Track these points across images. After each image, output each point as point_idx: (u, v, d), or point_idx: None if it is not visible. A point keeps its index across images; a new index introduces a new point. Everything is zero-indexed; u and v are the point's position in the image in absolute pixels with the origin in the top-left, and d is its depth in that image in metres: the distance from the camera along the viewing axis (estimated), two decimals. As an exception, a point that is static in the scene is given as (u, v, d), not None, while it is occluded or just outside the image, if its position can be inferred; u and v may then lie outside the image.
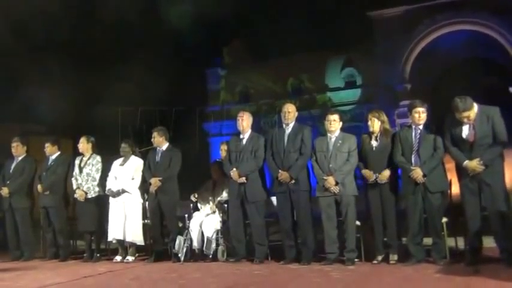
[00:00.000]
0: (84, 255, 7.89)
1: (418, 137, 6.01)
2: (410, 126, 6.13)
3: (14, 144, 8.42)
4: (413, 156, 5.98)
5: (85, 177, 7.86)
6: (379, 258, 6.20)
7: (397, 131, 6.36)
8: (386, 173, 6.14)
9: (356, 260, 6.29)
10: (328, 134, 6.52)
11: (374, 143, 6.29)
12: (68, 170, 8.17)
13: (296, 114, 6.84)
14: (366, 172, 6.23)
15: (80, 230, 7.98)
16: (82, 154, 8.07)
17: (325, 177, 6.33)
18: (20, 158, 8.43)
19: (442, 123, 5.92)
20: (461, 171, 5.73)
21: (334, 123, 6.50)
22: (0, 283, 6.05)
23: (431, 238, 5.99)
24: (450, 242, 6.18)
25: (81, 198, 7.80)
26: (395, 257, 6.14)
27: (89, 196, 7.80)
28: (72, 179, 7.99)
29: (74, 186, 7.93)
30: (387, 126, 6.35)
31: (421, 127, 6.03)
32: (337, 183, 6.28)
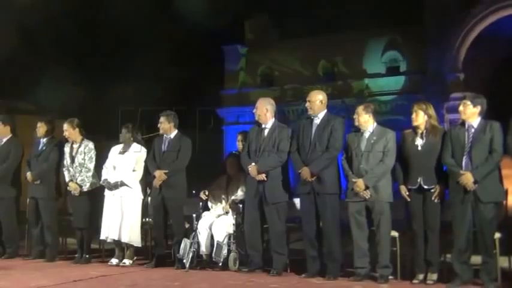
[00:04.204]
0: (76, 255, 7.97)
1: (471, 136, 5.95)
2: (463, 124, 6.07)
3: None
4: (464, 158, 5.92)
5: (78, 168, 7.91)
6: (420, 277, 6.14)
7: (449, 129, 6.30)
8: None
9: (390, 277, 6.25)
10: (362, 129, 6.49)
11: (419, 142, 6.22)
12: (61, 157, 8.24)
13: (325, 101, 6.80)
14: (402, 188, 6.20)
15: (73, 226, 8.05)
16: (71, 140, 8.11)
17: (354, 180, 6.31)
18: (4, 140, 8.50)
19: (505, 119, 5.86)
20: None
21: (357, 117, 6.46)
22: (-22, 283, 6.16)
23: (481, 256, 5.93)
24: (503, 261, 6.14)
25: (75, 193, 7.87)
26: (434, 276, 6.09)
27: (84, 189, 7.86)
28: (64, 169, 8.03)
29: (67, 179, 7.98)
30: (435, 122, 6.27)
31: (475, 125, 5.97)
32: (367, 187, 6.25)
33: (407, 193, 6.21)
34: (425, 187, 6.12)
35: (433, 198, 6.08)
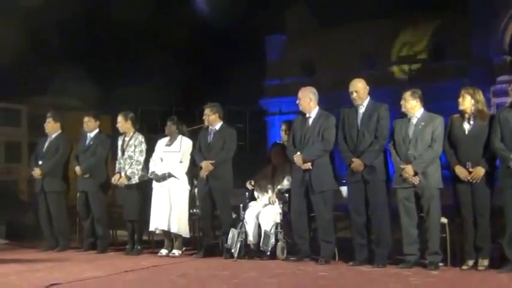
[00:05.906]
0: (126, 247, 8.13)
1: (520, 119, 5.84)
2: (511, 107, 5.96)
3: (46, 121, 8.72)
4: (514, 142, 5.82)
5: (127, 160, 8.05)
6: (470, 263, 6.09)
7: (497, 113, 6.19)
8: (480, 171, 5.98)
9: (440, 264, 6.20)
10: (409, 115, 6.43)
11: (466, 126, 6.14)
12: (110, 151, 8.40)
13: (368, 89, 6.75)
14: (459, 169, 6.07)
15: (124, 218, 8.19)
16: (124, 133, 8.27)
17: (402, 166, 6.26)
18: (53, 136, 8.70)
19: None
20: None
21: (404, 103, 6.39)
22: (34, 275, 6.33)
23: (534, 241, 5.82)
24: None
25: (121, 185, 8.02)
26: (486, 262, 6.02)
27: (133, 182, 7.98)
28: (117, 162, 8.21)
29: (115, 171, 8.15)
30: (483, 107, 6.16)
31: (524, 108, 5.88)
32: (416, 173, 6.20)
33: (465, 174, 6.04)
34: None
35: (469, 178, 5.98)
